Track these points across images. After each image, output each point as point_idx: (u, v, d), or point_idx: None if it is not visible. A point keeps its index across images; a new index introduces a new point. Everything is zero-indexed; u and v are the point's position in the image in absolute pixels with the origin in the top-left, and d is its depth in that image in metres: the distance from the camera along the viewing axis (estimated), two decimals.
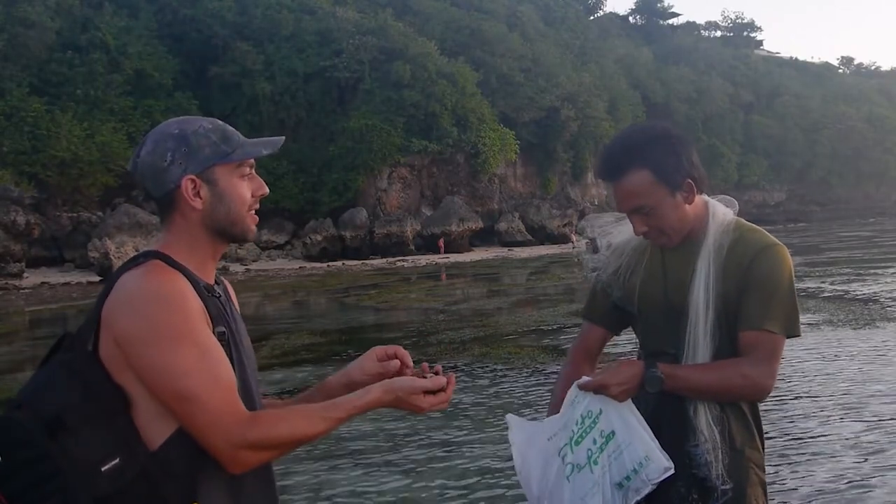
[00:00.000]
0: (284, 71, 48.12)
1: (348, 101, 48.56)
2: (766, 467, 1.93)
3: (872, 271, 20.20)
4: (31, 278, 32.68)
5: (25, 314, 21.48)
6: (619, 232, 2.05)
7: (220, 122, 1.51)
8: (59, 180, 38.14)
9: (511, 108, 52.91)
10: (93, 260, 33.98)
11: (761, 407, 1.95)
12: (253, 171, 1.52)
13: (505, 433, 1.97)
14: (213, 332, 1.40)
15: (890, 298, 14.21)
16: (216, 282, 1.52)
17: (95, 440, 1.29)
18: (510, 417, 1.99)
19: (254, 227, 1.52)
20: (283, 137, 1.56)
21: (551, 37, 65.82)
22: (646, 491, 1.78)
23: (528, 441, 1.93)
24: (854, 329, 10.96)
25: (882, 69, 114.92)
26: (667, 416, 1.86)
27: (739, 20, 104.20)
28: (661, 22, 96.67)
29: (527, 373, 9.06)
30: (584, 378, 1.87)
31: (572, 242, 44.96)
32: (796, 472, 5.20)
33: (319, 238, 44.39)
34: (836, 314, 12.43)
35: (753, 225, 1.93)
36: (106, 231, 34.36)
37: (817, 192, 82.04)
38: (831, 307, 13.32)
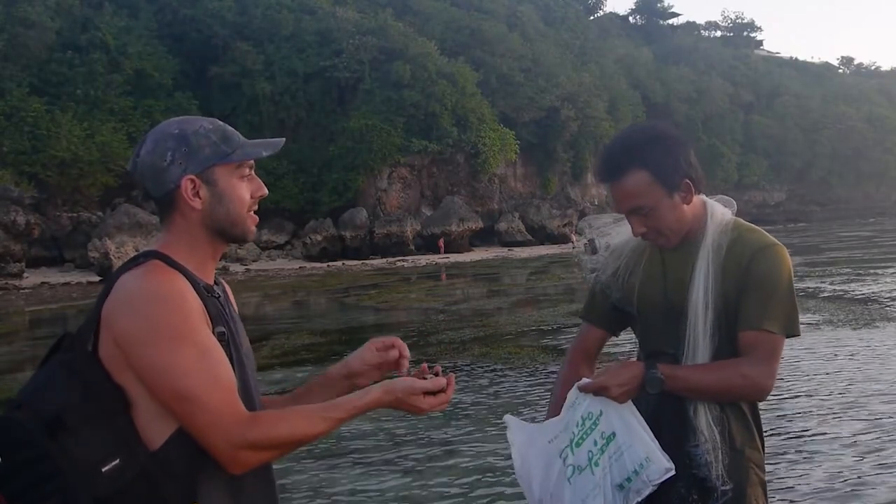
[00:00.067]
0: (284, 71, 48.13)
1: (348, 101, 48.56)
2: (765, 467, 1.93)
3: (872, 271, 20.21)
4: (31, 278, 32.68)
5: (25, 314, 21.49)
6: (617, 233, 2.05)
7: (221, 122, 1.51)
8: (59, 180, 38.14)
9: (511, 108, 52.91)
10: (93, 260, 33.98)
11: (761, 407, 1.95)
12: (252, 172, 1.52)
13: (505, 433, 1.97)
14: (213, 333, 1.40)
15: (889, 298, 14.22)
16: (215, 282, 1.52)
17: (95, 440, 1.29)
18: (508, 418, 1.99)
19: (253, 228, 1.52)
20: (284, 139, 1.57)
21: (551, 37, 65.82)
22: (647, 492, 1.78)
23: (528, 442, 1.93)
24: (854, 329, 10.97)
25: (882, 69, 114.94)
26: (667, 416, 1.86)
27: (739, 20, 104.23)
28: (661, 22, 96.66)
29: (527, 373, 9.07)
30: (585, 380, 1.87)
31: (572, 242, 44.92)
32: (795, 471, 5.20)
33: (319, 238, 44.39)
34: (835, 314, 12.43)
35: (752, 225, 1.93)
36: (106, 231, 34.37)
37: (817, 192, 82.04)
38: (831, 307, 13.32)
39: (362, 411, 1.45)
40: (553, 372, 8.32)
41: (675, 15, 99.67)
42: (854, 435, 5.91)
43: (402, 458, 5.99)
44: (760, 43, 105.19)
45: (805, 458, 5.47)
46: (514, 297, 20.19)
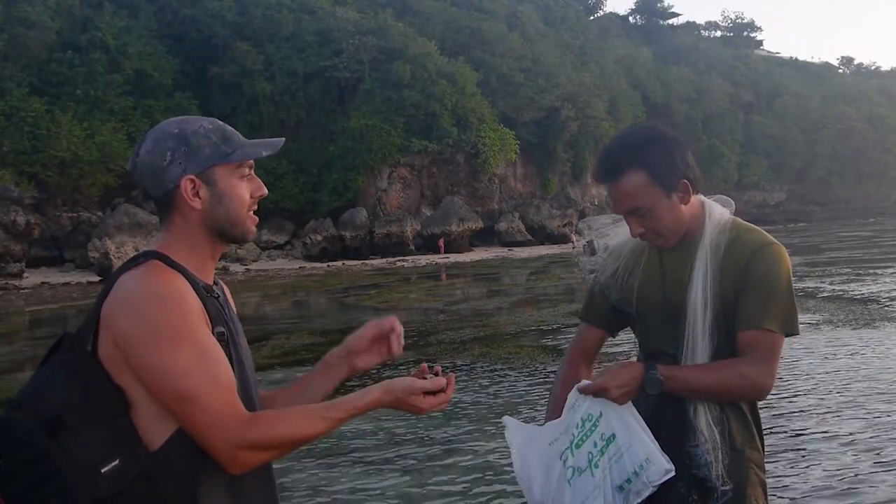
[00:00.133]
0: (284, 71, 48.14)
1: (348, 101, 48.57)
2: (765, 466, 1.93)
3: (872, 271, 20.21)
4: (31, 278, 32.69)
5: (25, 314, 21.49)
6: (616, 234, 2.05)
7: (221, 122, 1.51)
8: (59, 180, 38.15)
9: (511, 108, 52.92)
10: (93, 260, 34.00)
11: (760, 406, 1.95)
12: (252, 171, 1.51)
13: (504, 432, 1.97)
14: (213, 333, 1.40)
15: (889, 298, 14.22)
16: (213, 282, 1.52)
17: (95, 441, 1.29)
18: (507, 419, 1.99)
19: (253, 229, 1.52)
20: (283, 139, 1.56)
21: (551, 37, 65.84)
22: (647, 493, 1.78)
23: (528, 443, 1.93)
24: (853, 329, 10.97)
25: (882, 69, 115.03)
26: (667, 416, 1.86)
27: (739, 20, 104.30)
28: (661, 22, 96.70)
29: (526, 372, 9.07)
30: (584, 381, 1.87)
31: (572, 242, 44.95)
32: (794, 470, 5.21)
33: (319, 238, 44.40)
34: (835, 314, 12.43)
35: (750, 224, 1.93)
36: (106, 231, 34.38)
37: (817, 192, 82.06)
38: (831, 307, 13.32)
39: (362, 411, 1.45)
40: (553, 371, 8.32)
41: (675, 15, 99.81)
42: (853, 434, 5.91)
43: (402, 457, 5.99)
44: (760, 43, 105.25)
45: (804, 456, 5.48)
46: (514, 297, 20.20)
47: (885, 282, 17.39)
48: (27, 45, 39.94)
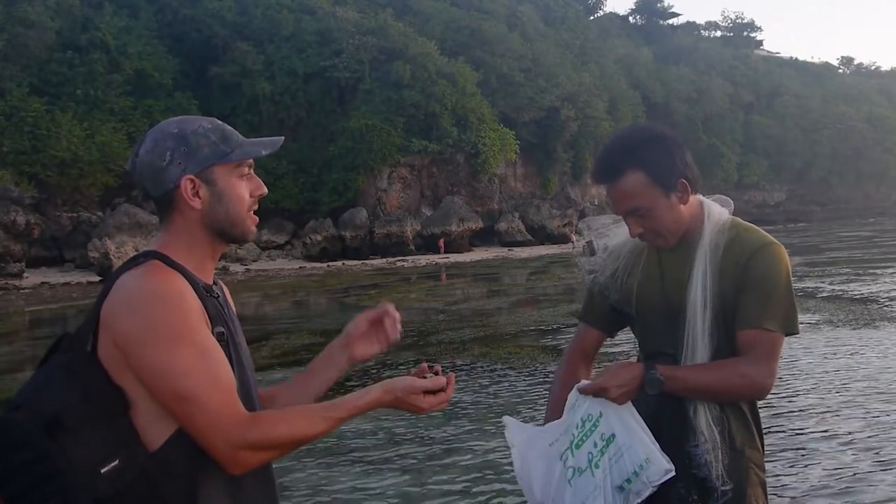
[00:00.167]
0: (284, 71, 48.14)
1: (348, 101, 48.58)
2: (765, 466, 1.93)
3: (872, 271, 20.21)
4: (31, 278, 32.69)
5: (25, 314, 21.49)
6: (615, 234, 2.05)
7: (220, 121, 1.51)
8: (59, 180, 38.16)
9: (511, 108, 52.93)
10: (93, 260, 34.00)
11: (759, 405, 1.95)
12: (252, 171, 1.51)
13: (504, 432, 1.97)
14: (212, 333, 1.39)
15: (889, 298, 14.22)
16: (213, 282, 1.52)
17: (95, 441, 1.29)
18: (507, 419, 1.99)
19: (253, 228, 1.52)
20: (283, 137, 1.56)
21: (551, 37, 65.84)
22: (647, 493, 1.78)
23: (528, 443, 1.93)
24: (853, 329, 10.97)
25: (882, 69, 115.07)
26: (667, 417, 1.85)
27: (739, 20, 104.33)
28: (661, 22, 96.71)
29: (526, 372, 9.07)
30: (584, 381, 1.87)
31: (572, 242, 44.96)
32: (793, 469, 5.21)
33: (319, 238, 44.40)
34: (835, 314, 12.43)
35: (749, 224, 1.93)
36: (106, 231, 34.39)
37: (817, 192, 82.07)
38: (831, 307, 13.32)
39: (362, 411, 1.45)
40: (552, 372, 8.33)
41: (675, 15, 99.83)
42: (852, 433, 5.92)
43: (401, 456, 5.99)
44: (760, 43, 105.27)
45: (803, 455, 5.48)
46: (514, 297, 20.20)
47: (884, 282, 17.39)
48: (27, 45, 39.95)
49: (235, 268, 37.17)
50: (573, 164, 57.30)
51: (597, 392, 1.82)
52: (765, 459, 1.93)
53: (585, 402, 1.85)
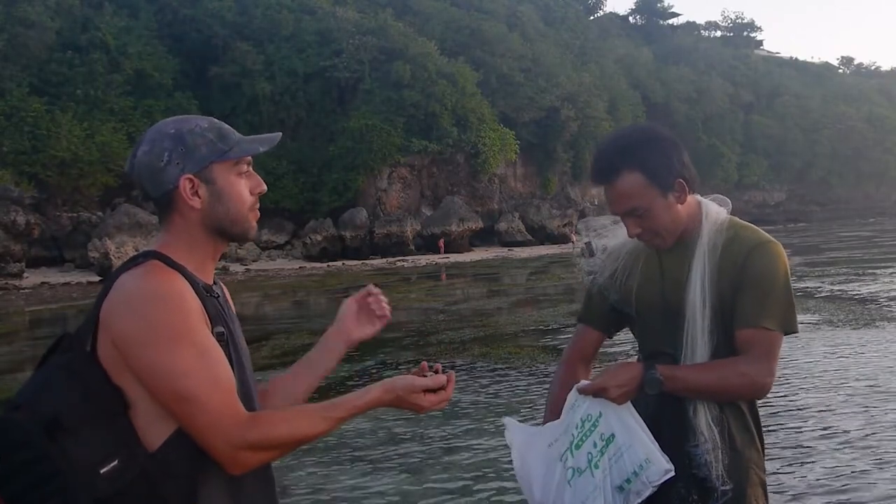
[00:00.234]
0: (284, 71, 48.15)
1: (348, 101, 48.58)
2: (765, 466, 1.93)
3: (872, 271, 20.21)
4: (31, 278, 32.69)
5: (25, 314, 21.49)
6: (614, 235, 2.06)
7: (217, 120, 1.50)
8: (59, 180, 38.17)
9: (511, 108, 52.94)
10: (93, 260, 34.01)
11: (759, 404, 1.95)
12: (251, 168, 1.51)
13: (503, 432, 1.98)
14: (212, 333, 1.39)
15: (888, 298, 14.22)
16: (213, 282, 1.52)
17: (94, 441, 1.29)
18: (507, 420, 1.99)
19: (255, 226, 1.51)
20: (280, 134, 1.55)
21: (551, 37, 65.85)
22: (647, 493, 1.78)
23: (527, 444, 1.93)
24: (853, 328, 10.97)
25: (882, 69, 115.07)
26: (667, 416, 1.85)
27: (739, 20, 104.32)
28: (661, 22, 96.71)
29: (526, 372, 9.07)
30: (583, 382, 1.87)
31: (572, 242, 44.97)
32: (792, 468, 5.22)
33: (319, 238, 44.40)
34: (835, 314, 12.43)
35: (747, 223, 1.93)
36: (106, 231, 34.39)
37: (817, 192, 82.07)
38: (831, 307, 13.32)
39: (363, 410, 1.45)
40: (552, 372, 8.34)
41: (675, 15, 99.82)
42: (851, 432, 5.93)
43: (401, 456, 5.99)
44: (760, 43, 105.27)
45: (802, 455, 5.49)
46: (514, 297, 20.20)
47: (884, 282, 17.39)
48: (27, 45, 39.95)
49: (235, 268, 37.17)
50: (573, 164, 57.30)
51: (596, 392, 1.82)
52: (764, 459, 1.93)
53: (585, 403, 1.85)
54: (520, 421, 2.03)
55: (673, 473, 1.76)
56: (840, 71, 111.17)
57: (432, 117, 47.55)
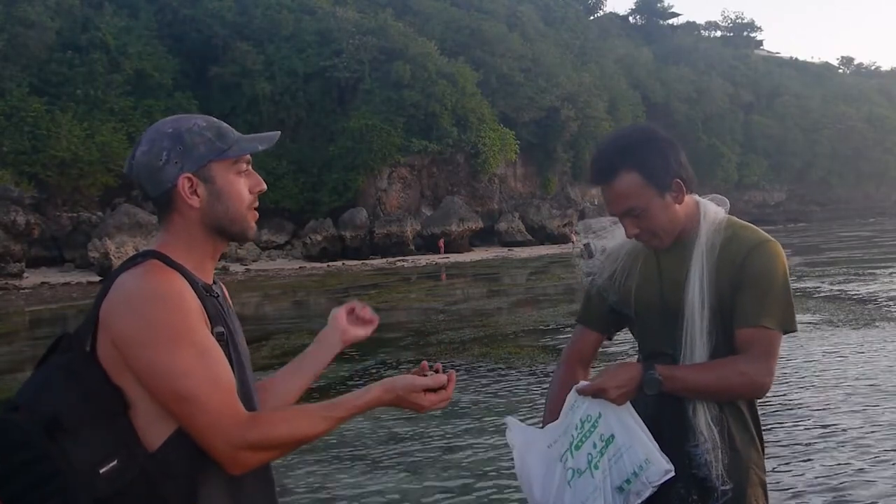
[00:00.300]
0: (284, 71, 48.13)
1: (348, 101, 48.57)
2: (765, 466, 1.93)
3: (872, 271, 20.21)
4: (31, 278, 32.67)
5: (25, 314, 21.48)
6: (613, 236, 2.06)
7: (215, 119, 1.50)
8: (59, 180, 38.15)
9: (511, 108, 52.92)
10: (93, 260, 34.00)
11: (758, 403, 1.96)
12: (250, 167, 1.51)
13: (505, 431, 1.98)
14: (212, 332, 1.39)
15: (888, 298, 14.22)
16: (213, 282, 1.52)
17: (94, 441, 1.29)
18: (509, 420, 1.99)
19: (254, 225, 1.51)
20: (279, 132, 1.55)
21: (551, 37, 65.82)
22: (647, 493, 1.78)
23: (527, 445, 1.94)
24: (853, 328, 10.97)
25: (882, 69, 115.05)
26: (666, 417, 1.85)
27: (739, 20, 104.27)
28: (661, 22, 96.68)
29: (527, 372, 9.07)
30: (582, 382, 1.87)
31: (572, 242, 44.94)
32: (791, 467, 5.22)
33: (319, 238, 44.38)
34: (835, 314, 12.43)
35: (745, 222, 1.93)
36: (106, 231, 34.39)
37: (817, 192, 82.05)
38: (831, 307, 13.32)
39: (363, 410, 1.45)
40: (552, 372, 8.34)
41: (675, 15, 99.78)
42: (850, 431, 5.94)
43: (401, 455, 6.00)
44: (760, 43, 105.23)
45: (801, 453, 5.50)
46: (514, 297, 20.20)
47: (884, 282, 17.39)
48: (27, 45, 39.94)
49: (235, 268, 37.16)
50: (573, 164, 57.26)
51: (595, 393, 1.82)
52: (764, 458, 1.93)
53: (584, 403, 1.85)
54: (520, 421, 2.03)
55: (673, 473, 1.76)
56: (840, 71, 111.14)
57: (432, 117, 47.54)
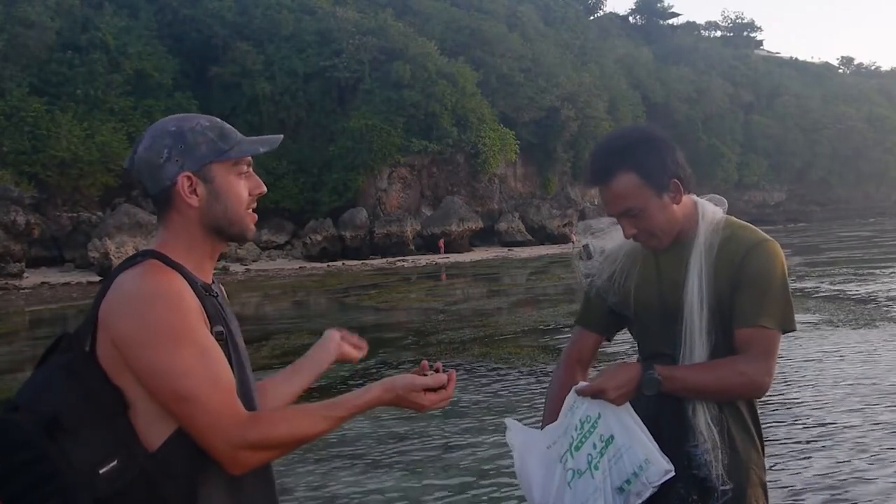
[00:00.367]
0: (284, 71, 48.12)
1: (348, 101, 48.55)
2: (765, 466, 1.93)
3: (872, 271, 20.22)
4: (31, 278, 32.66)
5: (25, 314, 21.48)
6: (611, 237, 2.06)
7: (218, 119, 1.50)
8: (59, 180, 38.14)
9: (511, 108, 52.90)
10: (93, 260, 34.00)
11: (757, 403, 1.96)
12: (250, 169, 1.51)
13: (504, 431, 1.98)
14: (211, 332, 1.39)
15: (888, 298, 14.23)
16: (212, 282, 1.51)
17: (94, 441, 1.29)
18: (509, 421, 1.99)
19: (252, 227, 1.51)
20: (281, 136, 1.56)
21: (551, 37, 65.80)
22: (647, 494, 1.77)
23: (527, 446, 1.93)
24: (853, 328, 10.97)
25: (882, 69, 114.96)
26: (666, 417, 1.85)
27: (739, 20, 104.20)
28: (661, 22, 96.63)
29: (527, 372, 9.07)
30: (582, 383, 1.87)
31: (572, 242, 44.93)
32: (790, 466, 5.22)
33: (319, 238, 44.37)
34: (835, 314, 12.44)
35: (744, 222, 1.93)
36: (106, 231, 34.38)
37: (817, 192, 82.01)
38: (831, 307, 13.32)
39: (363, 409, 1.45)
40: (552, 372, 8.33)
41: (675, 15, 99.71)
42: (849, 431, 5.94)
43: (401, 455, 6.00)
44: (760, 43, 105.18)
45: (800, 452, 5.51)
46: (514, 297, 20.20)
47: (884, 282, 17.39)
48: (27, 45, 39.92)
49: (235, 268, 37.15)
50: (573, 164, 57.21)
51: (595, 393, 1.82)
52: (764, 458, 1.93)
53: (584, 404, 1.85)
54: (520, 421, 2.03)
55: (673, 474, 1.76)
56: (840, 71, 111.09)
57: (432, 117, 47.52)
